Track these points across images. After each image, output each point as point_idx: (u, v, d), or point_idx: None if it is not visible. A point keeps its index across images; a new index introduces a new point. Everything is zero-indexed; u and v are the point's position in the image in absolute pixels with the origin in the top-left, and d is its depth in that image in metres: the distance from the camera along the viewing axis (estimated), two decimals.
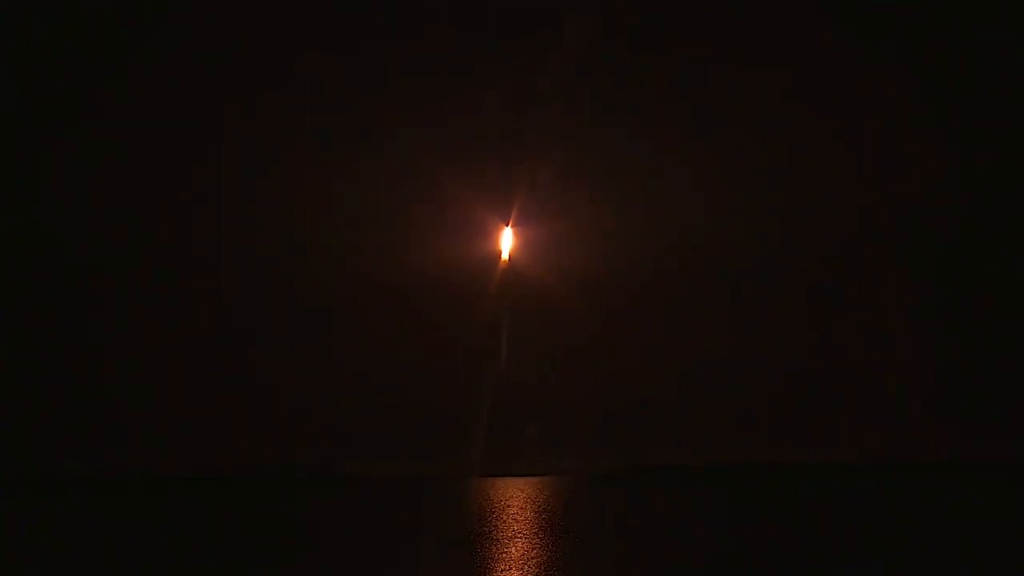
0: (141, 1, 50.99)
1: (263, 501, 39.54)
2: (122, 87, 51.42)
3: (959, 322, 50.83)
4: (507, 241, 50.83)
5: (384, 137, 51.96)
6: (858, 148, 52.75)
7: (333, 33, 51.70)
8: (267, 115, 52.28)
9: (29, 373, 49.39)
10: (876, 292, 52.08)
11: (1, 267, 50.57)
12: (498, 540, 23.80)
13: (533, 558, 20.47)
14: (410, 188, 51.90)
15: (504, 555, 21.02)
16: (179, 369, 50.58)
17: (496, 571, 18.88)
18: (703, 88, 52.27)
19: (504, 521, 28.39)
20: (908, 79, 51.01)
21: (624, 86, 52.62)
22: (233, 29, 51.33)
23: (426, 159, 51.37)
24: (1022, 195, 50.66)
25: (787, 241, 52.49)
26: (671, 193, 52.48)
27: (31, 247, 50.87)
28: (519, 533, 25.18)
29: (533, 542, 23.23)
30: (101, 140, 51.38)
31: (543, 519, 29.10)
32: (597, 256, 51.61)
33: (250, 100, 52.36)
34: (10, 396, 48.53)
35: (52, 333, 50.22)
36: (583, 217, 51.39)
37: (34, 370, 49.50)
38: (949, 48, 50.69)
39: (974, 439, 48.99)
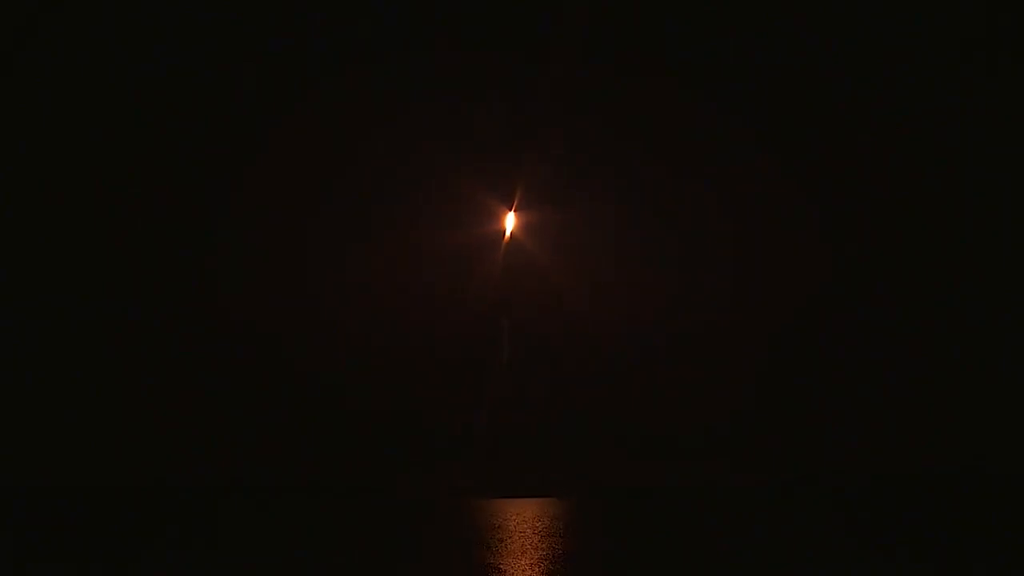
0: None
1: (263, 511, 39.61)
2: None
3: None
4: (510, 224, 51.28)
5: (385, 126, 51.95)
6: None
7: (335, 28, 51.62)
8: (267, 103, 52.25)
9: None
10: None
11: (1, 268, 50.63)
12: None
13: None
14: (413, 174, 51.86)
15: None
16: (179, 372, 50.56)
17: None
18: (710, 77, 52.14)
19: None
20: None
21: (631, 77, 52.46)
22: (233, 31, 51.30)
23: (428, 145, 51.44)
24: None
25: (791, 238, 52.61)
26: (674, 188, 52.48)
27: (31, 248, 50.90)
28: None
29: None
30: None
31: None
32: (603, 244, 51.72)
33: (249, 97, 52.29)
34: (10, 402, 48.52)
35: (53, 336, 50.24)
36: (587, 204, 51.51)
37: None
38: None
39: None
